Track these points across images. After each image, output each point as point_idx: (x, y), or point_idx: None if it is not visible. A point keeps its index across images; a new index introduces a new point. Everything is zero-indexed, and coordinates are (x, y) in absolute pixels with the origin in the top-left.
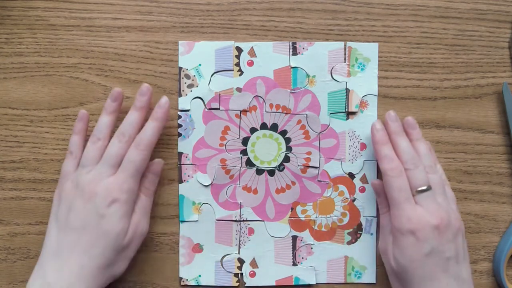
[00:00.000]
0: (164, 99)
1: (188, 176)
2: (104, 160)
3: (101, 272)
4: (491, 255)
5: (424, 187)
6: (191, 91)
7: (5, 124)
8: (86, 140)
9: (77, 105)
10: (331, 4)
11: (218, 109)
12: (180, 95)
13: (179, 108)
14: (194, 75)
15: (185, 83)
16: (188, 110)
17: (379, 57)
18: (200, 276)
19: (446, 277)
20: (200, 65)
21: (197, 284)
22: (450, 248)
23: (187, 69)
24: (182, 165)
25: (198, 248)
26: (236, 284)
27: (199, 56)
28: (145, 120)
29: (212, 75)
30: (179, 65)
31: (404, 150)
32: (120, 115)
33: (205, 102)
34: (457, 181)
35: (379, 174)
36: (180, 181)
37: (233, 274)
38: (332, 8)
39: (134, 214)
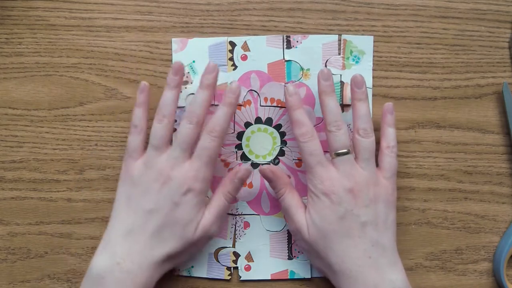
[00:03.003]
0: (235, 84)
1: None
2: (176, 144)
3: (167, 259)
4: (491, 255)
5: (344, 150)
6: (185, 87)
7: (5, 124)
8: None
9: (77, 105)
10: (331, 4)
11: (214, 105)
12: None
13: None
14: (188, 72)
15: None
16: (183, 107)
17: (379, 56)
18: (192, 267)
19: (363, 242)
20: (194, 61)
21: (189, 275)
22: (367, 213)
23: None
24: None
25: None
26: (228, 278)
27: (193, 53)
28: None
29: None
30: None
31: (330, 110)
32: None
33: None
34: (457, 181)
35: None
36: None
37: (225, 268)
38: (332, 8)
39: (209, 214)
